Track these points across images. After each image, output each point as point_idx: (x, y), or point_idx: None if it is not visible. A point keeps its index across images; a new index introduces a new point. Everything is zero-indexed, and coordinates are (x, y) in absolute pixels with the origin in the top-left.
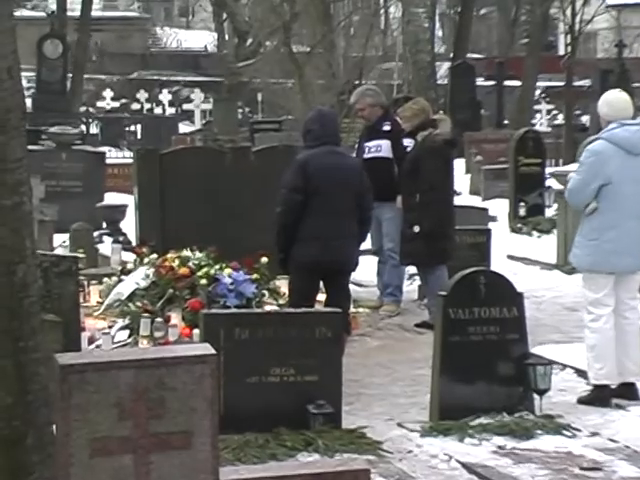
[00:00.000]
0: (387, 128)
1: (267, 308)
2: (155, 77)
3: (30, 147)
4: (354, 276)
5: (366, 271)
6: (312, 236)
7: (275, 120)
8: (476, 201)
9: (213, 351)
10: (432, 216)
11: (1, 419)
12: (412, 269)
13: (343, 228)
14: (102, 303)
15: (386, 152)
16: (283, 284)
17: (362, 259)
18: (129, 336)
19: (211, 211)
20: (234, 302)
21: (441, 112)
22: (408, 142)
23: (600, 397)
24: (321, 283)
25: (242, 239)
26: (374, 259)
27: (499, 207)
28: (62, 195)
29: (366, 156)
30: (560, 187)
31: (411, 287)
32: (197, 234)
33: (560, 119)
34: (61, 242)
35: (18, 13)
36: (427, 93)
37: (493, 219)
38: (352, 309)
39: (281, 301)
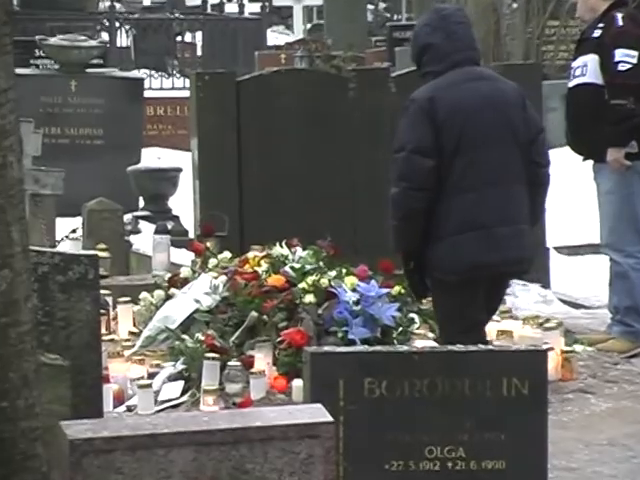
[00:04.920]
0: (596, 34)
1: (418, 344)
2: None
3: (18, 71)
4: (566, 290)
5: (589, 281)
6: (466, 225)
7: None
8: None
9: (328, 417)
10: None
11: None
12: None
13: (514, 205)
14: (138, 335)
15: (593, 75)
16: None
17: (584, 260)
18: (184, 391)
19: (323, 179)
20: (362, 333)
21: None
22: (623, 55)
23: None
24: None
25: (375, 227)
26: (604, 260)
27: None
28: (71, 152)
29: (569, 84)
30: None
31: None
32: (299, 218)
33: None
34: (69, 231)
35: None
36: None
37: None
38: (562, 345)
39: None
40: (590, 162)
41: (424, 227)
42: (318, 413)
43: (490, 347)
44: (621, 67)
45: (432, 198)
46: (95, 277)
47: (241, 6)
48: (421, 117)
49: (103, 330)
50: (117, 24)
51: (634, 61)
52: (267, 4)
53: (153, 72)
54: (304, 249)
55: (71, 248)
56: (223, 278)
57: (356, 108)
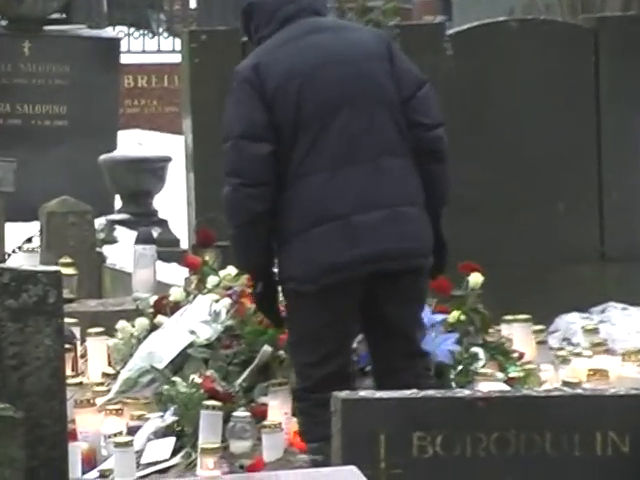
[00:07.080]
0: None
1: (484, 387)
2: None
3: None
4: None
5: None
6: (315, 217)
7: None
8: None
9: None
10: None
11: None
12: None
13: (385, 183)
14: (115, 377)
15: None
16: (518, 332)
17: None
18: (175, 451)
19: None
20: None
21: None
22: None
23: None
24: None
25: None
26: None
27: None
28: (24, 136)
29: None
30: None
31: None
32: None
33: None
34: (23, 241)
35: None
36: None
37: None
38: None
39: (514, 371)
40: None
41: (271, 231)
42: (352, 478)
43: (571, 390)
44: None
45: (274, 193)
46: (57, 301)
47: None
48: (247, 92)
49: (68, 371)
50: None
51: None
52: None
53: (132, 30)
54: None
55: (26, 263)
56: (226, 302)
57: None
